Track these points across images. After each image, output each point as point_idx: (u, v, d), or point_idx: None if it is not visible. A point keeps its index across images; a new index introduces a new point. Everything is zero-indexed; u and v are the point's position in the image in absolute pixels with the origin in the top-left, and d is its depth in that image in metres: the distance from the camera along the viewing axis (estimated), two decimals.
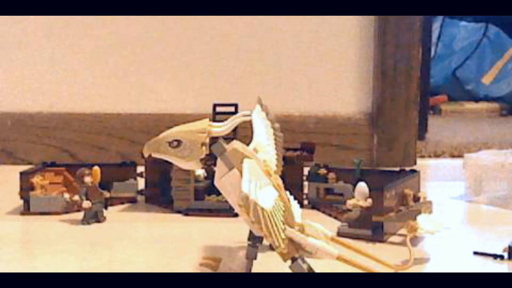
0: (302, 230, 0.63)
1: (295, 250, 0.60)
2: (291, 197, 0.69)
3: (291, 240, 0.60)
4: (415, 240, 0.84)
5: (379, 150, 1.42)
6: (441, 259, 0.80)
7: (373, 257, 0.67)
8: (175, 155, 0.63)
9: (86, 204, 0.94)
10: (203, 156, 0.63)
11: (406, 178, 0.92)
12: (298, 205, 0.68)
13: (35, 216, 0.99)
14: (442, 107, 2.44)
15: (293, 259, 0.60)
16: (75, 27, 1.43)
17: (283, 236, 0.57)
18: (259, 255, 0.74)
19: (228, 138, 0.67)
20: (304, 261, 0.61)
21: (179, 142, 0.62)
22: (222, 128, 0.65)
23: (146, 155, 0.64)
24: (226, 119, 1.03)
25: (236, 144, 0.64)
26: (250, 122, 0.68)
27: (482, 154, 1.17)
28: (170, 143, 0.62)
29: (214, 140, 0.63)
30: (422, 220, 0.76)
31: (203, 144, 0.62)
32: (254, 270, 0.74)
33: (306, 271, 0.60)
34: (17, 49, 1.44)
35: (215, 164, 1.03)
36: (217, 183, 0.64)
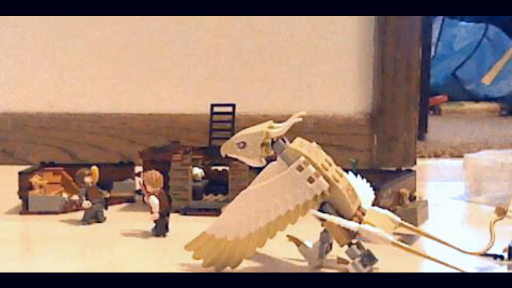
0: (360, 217, 0.68)
1: (350, 236, 0.67)
2: (363, 181, 0.75)
3: (345, 227, 0.67)
4: (412, 239, 0.85)
5: (379, 150, 1.42)
6: (441, 259, 0.80)
7: (445, 242, 0.71)
8: (242, 155, 0.70)
9: (86, 204, 0.94)
10: (264, 154, 0.70)
11: (402, 178, 0.92)
12: (369, 190, 0.74)
13: (33, 215, 0.99)
14: (442, 107, 2.44)
15: (349, 245, 0.67)
16: (75, 27, 1.43)
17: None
18: (261, 256, 0.75)
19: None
20: (360, 247, 0.68)
21: (244, 143, 0.70)
22: (279, 129, 0.70)
23: (223, 155, 0.72)
24: (224, 119, 1.05)
25: (295, 143, 0.70)
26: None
27: (482, 154, 1.18)
28: (238, 145, 0.70)
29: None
30: None
31: (263, 144, 0.69)
32: (255, 270, 0.74)
33: (360, 256, 0.67)
34: (17, 49, 1.44)
35: (212, 164, 1.04)
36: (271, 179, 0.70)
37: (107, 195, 0.98)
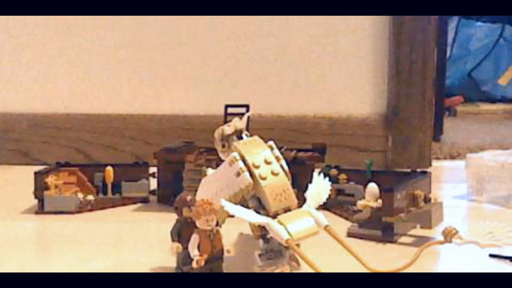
0: (274, 215, 0.71)
1: (260, 230, 0.71)
2: (323, 184, 0.76)
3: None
4: (424, 240, 0.84)
5: (394, 151, 1.42)
6: (456, 261, 0.80)
7: (356, 256, 0.70)
8: (216, 148, 0.79)
9: (176, 247, 0.72)
10: (222, 149, 0.78)
11: (416, 179, 0.92)
12: (322, 193, 0.75)
13: (49, 215, 1.00)
14: (458, 108, 2.42)
15: (260, 237, 0.71)
16: (90, 28, 1.44)
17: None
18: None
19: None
20: (270, 243, 0.71)
21: (215, 138, 0.78)
22: (229, 127, 0.77)
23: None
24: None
25: (243, 140, 0.76)
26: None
27: (484, 154, 1.18)
28: (214, 139, 0.78)
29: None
30: None
31: (220, 140, 0.78)
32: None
33: (263, 250, 0.71)
34: (33, 50, 1.45)
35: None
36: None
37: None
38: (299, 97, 1.44)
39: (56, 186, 1.02)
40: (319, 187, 0.75)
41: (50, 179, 1.02)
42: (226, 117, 1.04)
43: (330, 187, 0.76)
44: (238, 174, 0.72)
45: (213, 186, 0.76)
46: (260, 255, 0.70)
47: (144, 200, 1.08)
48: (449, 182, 1.32)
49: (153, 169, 1.09)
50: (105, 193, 1.07)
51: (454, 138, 1.78)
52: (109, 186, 1.06)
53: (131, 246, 0.87)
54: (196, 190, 0.99)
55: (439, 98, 1.66)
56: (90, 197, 1.04)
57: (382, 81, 1.43)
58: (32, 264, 0.80)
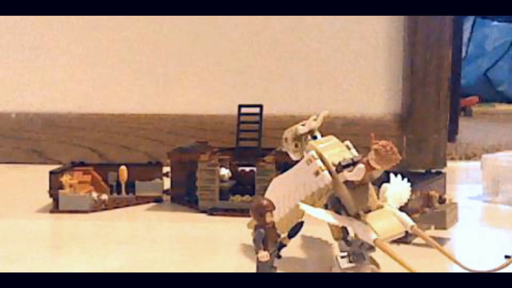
0: (358, 215, 0.68)
1: (342, 232, 0.70)
2: (403, 183, 0.75)
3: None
4: (443, 242, 0.83)
5: (408, 152, 1.41)
6: (471, 261, 0.79)
7: (450, 256, 0.69)
8: (285, 148, 0.78)
9: (265, 255, 0.66)
10: (295, 149, 0.76)
11: (431, 180, 0.91)
12: (404, 193, 0.74)
13: (63, 214, 1.01)
14: (473, 108, 2.40)
15: (341, 239, 0.70)
16: (104, 29, 1.45)
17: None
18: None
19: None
20: (348, 243, 0.69)
21: (286, 138, 0.77)
22: (304, 127, 0.76)
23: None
24: (251, 120, 1.05)
25: (320, 139, 0.75)
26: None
27: (499, 155, 1.18)
28: (284, 139, 0.77)
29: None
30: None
31: (293, 139, 0.76)
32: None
33: (346, 252, 0.69)
34: (48, 51, 1.46)
35: (240, 165, 1.04)
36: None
37: (287, 241, 0.69)
38: (313, 97, 1.43)
39: (70, 185, 1.03)
40: (401, 188, 0.73)
41: (65, 178, 1.03)
42: (240, 117, 1.04)
43: (410, 188, 0.74)
44: (317, 173, 0.69)
45: (285, 186, 0.74)
46: (342, 258, 0.68)
47: (158, 200, 1.08)
48: (464, 183, 1.31)
49: (166, 169, 1.09)
50: (119, 192, 1.07)
51: (469, 138, 1.77)
52: (123, 185, 1.07)
53: (144, 245, 0.88)
54: (209, 190, 1.00)
55: (455, 98, 1.65)
56: (104, 196, 1.05)
57: (397, 81, 1.42)
58: (47, 263, 0.81)
